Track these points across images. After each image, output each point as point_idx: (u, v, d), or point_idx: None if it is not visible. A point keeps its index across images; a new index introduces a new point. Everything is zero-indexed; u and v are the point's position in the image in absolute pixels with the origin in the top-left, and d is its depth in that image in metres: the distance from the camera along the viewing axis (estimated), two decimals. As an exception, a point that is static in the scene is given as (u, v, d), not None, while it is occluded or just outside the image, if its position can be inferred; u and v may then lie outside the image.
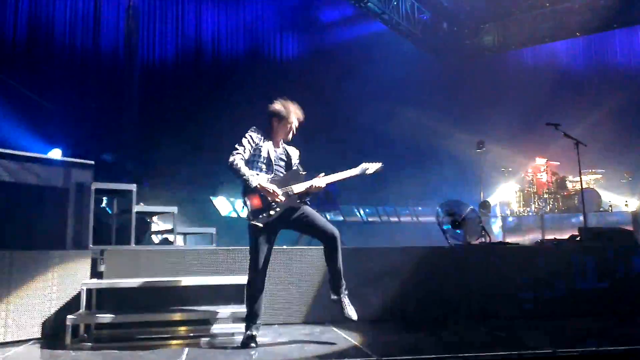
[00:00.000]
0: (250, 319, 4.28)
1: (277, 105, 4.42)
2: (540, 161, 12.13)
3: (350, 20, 16.74)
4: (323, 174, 4.35)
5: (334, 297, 4.35)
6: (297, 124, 4.48)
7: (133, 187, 5.82)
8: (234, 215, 14.84)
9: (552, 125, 8.18)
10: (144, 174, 11.33)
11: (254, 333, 4.23)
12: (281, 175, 4.37)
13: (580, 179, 8.71)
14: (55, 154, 8.76)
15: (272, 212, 4.19)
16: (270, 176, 4.29)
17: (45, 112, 9.73)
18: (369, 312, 5.24)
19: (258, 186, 4.16)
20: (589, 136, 9.36)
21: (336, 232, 4.32)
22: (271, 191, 4.16)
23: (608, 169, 12.40)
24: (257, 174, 4.24)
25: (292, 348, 4.16)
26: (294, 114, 4.44)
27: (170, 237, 6.36)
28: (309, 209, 4.35)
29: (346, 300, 4.32)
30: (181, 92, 12.74)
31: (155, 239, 7.27)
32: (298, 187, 4.30)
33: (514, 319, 5.41)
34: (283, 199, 4.21)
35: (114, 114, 11.28)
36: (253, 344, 4.14)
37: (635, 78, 15.01)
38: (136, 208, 5.85)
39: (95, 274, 4.97)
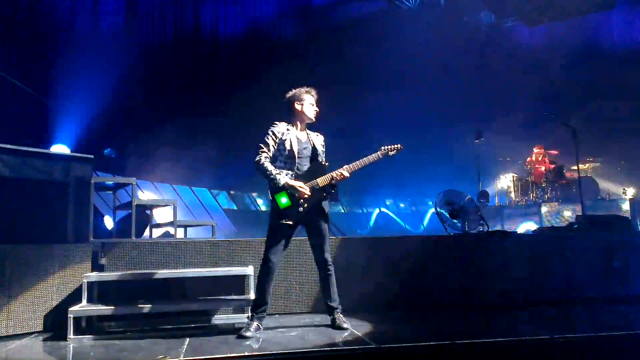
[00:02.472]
0: (256, 308, 4.34)
1: (292, 91, 4.56)
2: (538, 150, 12.17)
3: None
4: (346, 165, 4.43)
5: (329, 316, 4.51)
6: (315, 100, 4.58)
7: (133, 180, 5.84)
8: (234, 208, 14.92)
9: (550, 114, 8.21)
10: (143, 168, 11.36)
11: (257, 323, 4.28)
12: (305, 168, 4.43)
13: (578, 167, 8.74)
14: (60, 149, 8.77)
15: (300, 209, 4.30)
16: (293, 172, 4.37)
17: (44, 107, 9.72)
18: (368, 302, 5.32)
19: (286, 184, 4.24)
20: (587, 124, 9.37)
21: (329, 260, 4.47)
22: (299, 188, 4.25)
23: (606, 157, 12.44)
24: (281, 172, 4.32)
25: (293, 337, 4.19)
26: (310, 92, 4.56)
27: (171, 230, 6.38)
28: (326, 228, 4.48)
29: (340, 317, 4.44)
30: (179, 83, 12.69)
31: (156, 232, 7.30)
32: (323, 180, 4.38)
33: (512, 307, 5.46)
34: (310, 194, 4.30)
35: (114, 108, 11.22)
36: (255, 334, 4.18)
37: (632, 62, 14.85)
38: (136, 201, 5.87)
39: (97, 266, 5.00)
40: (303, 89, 4.56)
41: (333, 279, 4.50)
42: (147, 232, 6.59)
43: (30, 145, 5.09)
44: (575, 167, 10.19)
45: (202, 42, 13.83)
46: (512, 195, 12.11)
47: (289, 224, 4.30)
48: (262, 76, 12.57)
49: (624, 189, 11.61)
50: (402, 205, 19.02)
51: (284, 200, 4.27)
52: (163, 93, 12.26)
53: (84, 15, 11.43)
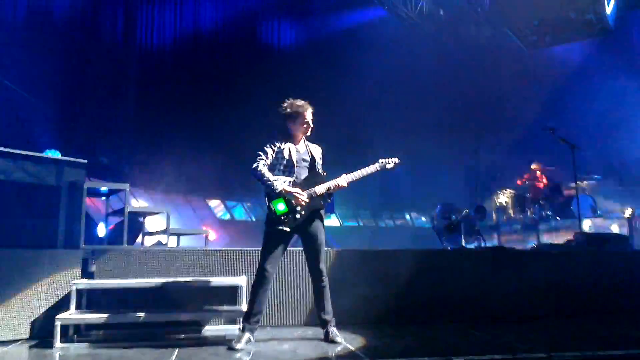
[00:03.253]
0: (249, 318, 4.25)
1: (287, 108, 4.48)
2: (535, 166, 12.14)
3: (347, 5, 16.45)
4: (344, 174, 4.39)
5: (322, 329, 4.42)
6: (311, 117, 4.51)
7: (126, 186, 5.76)
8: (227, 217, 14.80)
9: (548, 129, 8.18)
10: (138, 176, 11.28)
11: (249, 335, 4.19)
12: (303, 177, 4.40)
13: (576, 183, 8.70)
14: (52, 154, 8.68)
15: (297, 216, 4.26)
16: (292, 179, 4.33)
17: (39, 112, 9.64)
18: (361, 315, 5.23)
19: (283, 191, 4.18)
20: (585, 142, 9.34)
21: (324, 271, 4.41)
22: (296, 195, 4.20)
23: (603, 175, 12.42)
24: (278, 179, 4.27)
25: (285, 350, 4.11)
26: (304, 109, 4.48)
27: (163, 238, 6.30)
28: (322, 238, 4.41)
29: (333, 331, 4.36)
30: (178, 89, 12.64)
31: (149, 241, 7.22)
32: (320, 189, 4.35)
33: (510, 322, 5.38)
34: (307, 201, 4.22)
35: (110, 114, 11.17)
36: (246, 346, 4.09)
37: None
38: (129, 208, 5.79)
39: (86, 274, 4.91)
40: (297, 105, 4.48)
41: (327, 291, 4.42)
42: (139, 240, 6.50)
43: (22, 149, 5.01)
44: (573, 184, 10.15)
45: (202, 48, 13.80)
46: (510, 211, 12.05)
47: (285, 231, 4.24)
48: (255, 85, 12.55)
49: (621, 208, 11.56)
50: (398, 222, 18.92)
51: (280, 206, 4.21)
52: (160, 102, 12.22)
53: (81, 19, 11.38)
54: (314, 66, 14.16)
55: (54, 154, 5.74)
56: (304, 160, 4.46)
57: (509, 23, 14.31)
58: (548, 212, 11.44)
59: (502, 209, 12.18)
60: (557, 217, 11.12)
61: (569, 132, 8.60)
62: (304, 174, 4.43)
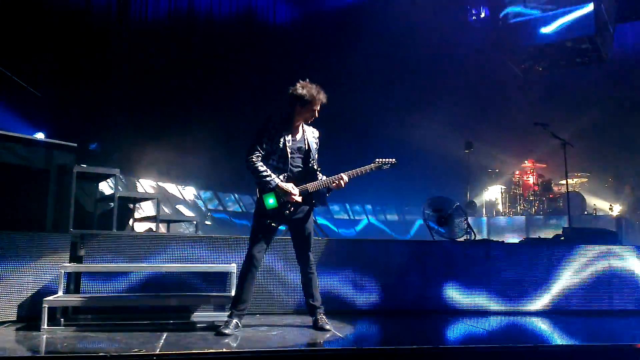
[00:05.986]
0: (237, 304, 4.23)
1: (301, 90, 4.24)
2: (526, 163, 12.22)
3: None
4: (345, 173, 4.32)
5: (311, 317, 4.41)
6: (318, 109, 4.35)
7: (116, 171, 5.73)
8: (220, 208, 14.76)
9: (541, 124, 8.21)
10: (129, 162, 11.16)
11: (237, 320, 4.18)
12: (297, 171, 4.33)
13: (567, 180, 8.75)
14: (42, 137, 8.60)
15: (286, 212, 4.24)
16: (286, 173, 4.27)
17: (31, 97, 9.51)
18: (351, 304, 5.26)
19: (277, 187, 4.16)
20: (575, 140, 9.36)
21: (312, 259, 4.40)
22: (289, 192, 4.18)
23: (593, 173, 12.50)
24: (272, 175, 4.20)
25: (273, 336, 4.11)
26: (318, 98, 4.27)
27: (153, 225, 6.28)
28: (310, 228, 4.39)
29: (322, 318, 4.35)
30: (172, 73, 12.49)
31: (139, 227, 7.19)
32: (313, 187, 4.31)
33: (497, 314, 5.43)
34: (300, 199, 4.22)
35: (102, 99, 11.04)
36: (234, 332, 4.09)
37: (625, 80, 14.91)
38: (119, 193, 5.76)
39: (75, 258, 4.88)
40: (314, 93, 4.23)
41: (315, 279, 4.42)
42: (129, 226, 6.48)
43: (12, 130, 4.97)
44: (563, 182, 10.21)
45: (197, 29, 13.59)
46: (500, 207, 12.13)
47: (274, 225, 4.24)
48: (251, 69, 12.42)
49: (610, 206, 11.66)
50: (389, 217, 18.94)
51: (271, 201, 4.20)
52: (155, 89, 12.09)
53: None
54: (312, 45, 14.00)
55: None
56: (299, 149, 4.36)
57: (504, 49, 14.44)
58: (538, 209, 11.53)
59: (492, 204, 12.26)
60: (547, 214, 11.21)
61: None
62: (298, 165, 4.34)
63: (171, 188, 13.33)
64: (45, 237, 4.79)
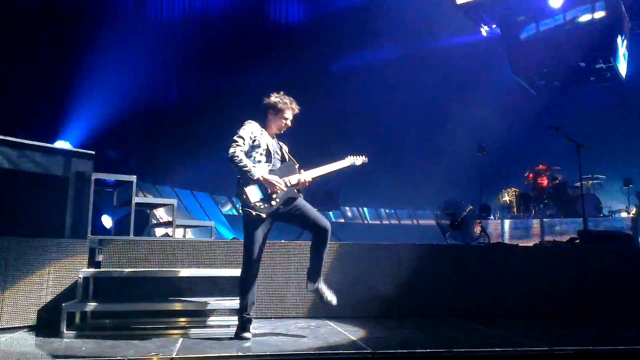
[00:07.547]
0: (243, 311, 4.27)
1: (274, 98, 4.43)
2: (541, 165, 12.13)
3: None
4: (303, 171, 4.40)
5: (311, 285, 4.36)
6: (291, 119, 4.49)
7: (133, 178, 5.81)
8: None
9: (554, 128, 8.18)
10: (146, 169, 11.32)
11: (247, 325, 4.23)
12: (278, 166, 4.40)
13: (581, 182, 8.69)
14: (62, 145, 8.75)
15: (273, 203, 4.22)
16: (269, 167, 4.31)
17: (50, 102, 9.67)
18: (364, 308, 5.28)
19: (261, 177, 4.18)
20: (590, 142, 9.29)
21: (328, 225, 4.36)
22: (274, 182, 4.20)
23: (608, 175, 12.40)
24: (256, 166, 4.24)
25: (287, 340, 4.15)
26: (290, 109, 4.44)
27: (170, 230, 6.35)
28: (302, 201, 4.38)
29: (324, 287, 4.34)
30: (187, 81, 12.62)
31: (156, 233, 7.28)
32: (293, 179, 4.34)
33: (511, 318, 5.42)
34: (285, 189, 4.24)
35: (119, 108, 11.18)
36: (247, 335, 4.14)
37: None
38: (136, 199, 5.84)
39: (93, 263, 4.97)
40: (284, 101, 4.42)
41: (326, 246, 4.36)
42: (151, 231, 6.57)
43: (33, 139, 5.07)
44: (578, 184, 10.13)
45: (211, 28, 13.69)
46: (514, 210, 12.06)
47: (261, 217, 4.19)
48: (265, 73, 12.52)
49: (626, 207, 11.55)
50: (402, 221, 18.91)
51: (254, 192, 4.19)
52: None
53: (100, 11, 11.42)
54: (323, 43, 14.05)
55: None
56: (277, 152, 4.46)
57: (517, 70, 14.48)
58: (552, 212, 11.45)
59: (506, 208, 12.19)
60: (562, 217, 11.13)
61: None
62: (278, 165, 4.42)
63: (186, 194, 13.46)
64: (64, 243, 4.88)
